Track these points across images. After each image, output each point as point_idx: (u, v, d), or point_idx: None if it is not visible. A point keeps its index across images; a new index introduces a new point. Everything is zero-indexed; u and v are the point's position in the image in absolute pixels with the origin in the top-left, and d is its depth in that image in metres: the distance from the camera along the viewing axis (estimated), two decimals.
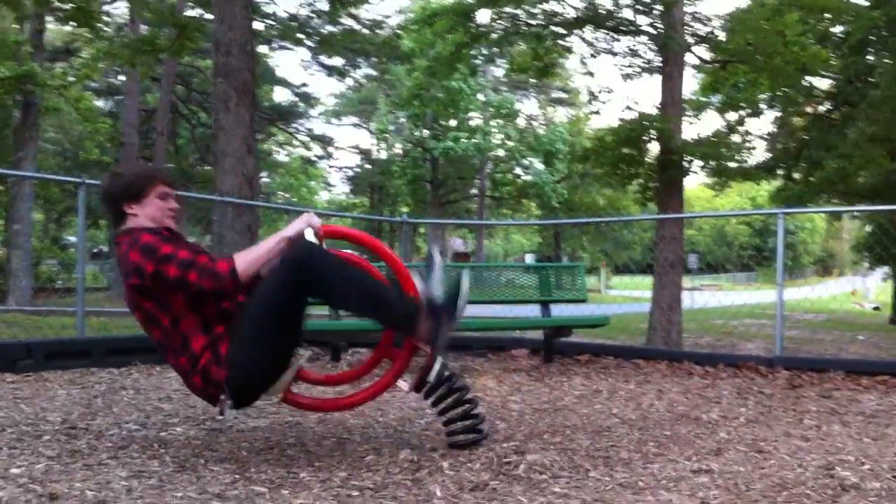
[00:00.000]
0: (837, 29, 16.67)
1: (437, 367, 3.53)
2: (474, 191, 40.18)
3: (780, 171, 19.53)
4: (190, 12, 16.88)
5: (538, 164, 36.65)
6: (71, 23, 18.71)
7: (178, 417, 4.23)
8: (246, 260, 3.19)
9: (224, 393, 3.22)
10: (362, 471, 3.15)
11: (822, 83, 18.61)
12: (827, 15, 14.58)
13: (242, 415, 4.31)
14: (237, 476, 3.04)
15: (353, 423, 4.21)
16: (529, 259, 45.74)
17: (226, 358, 3.17)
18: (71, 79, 20.62)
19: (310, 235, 3.27)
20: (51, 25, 24.58)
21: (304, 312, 3.34)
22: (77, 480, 2.88)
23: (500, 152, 37.73)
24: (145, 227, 3.33)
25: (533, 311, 7.66)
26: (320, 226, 3.33)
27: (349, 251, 3.81)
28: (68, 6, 15.43)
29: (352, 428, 4.10)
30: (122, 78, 29.04)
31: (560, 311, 7.80)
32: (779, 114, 19.67)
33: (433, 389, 3.56)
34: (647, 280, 13.45)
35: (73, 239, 34.01)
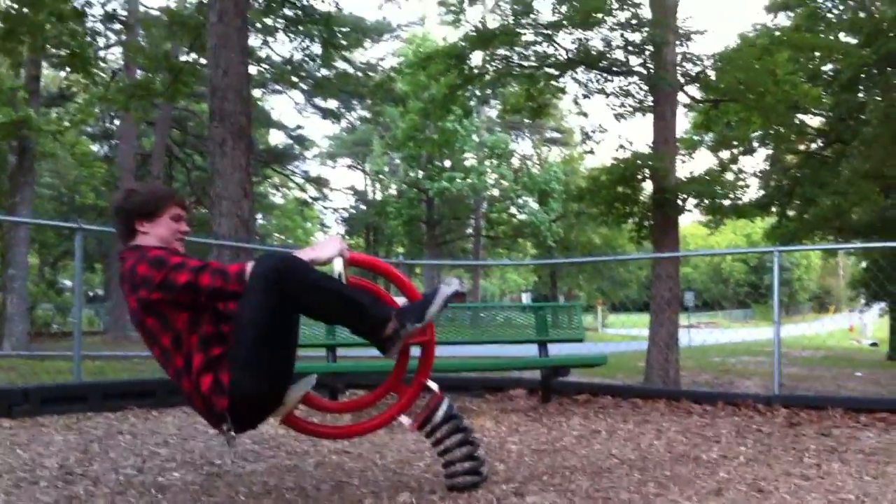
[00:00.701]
0: (828, 67, 16.87)
1: (443, 406, 3.53)
2: (470, 230, 40.26)
3: (774, 208, 19.61)
4: (185, 57, 16.99)
5: (533, 204, 36.76)
6: (66, 68, 18.88)
7: (176, 462, 4.20)
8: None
9: (226, 422, 3.15)
10: None
11: (814, 121, 18.79)
12: (817, 53, 14.77)
13: (240, 459, 4.29)
14: None
15: (352, 467, 4.19)
16: (526, 298, 45.67)
17: (227, 388, 3.11)
18: (66, 124, 20.73)
19: (339, 265, 3.22)
20: (46, 71, 24.76)
21: (295, 326, 3.26)
22: None
23: (496, 192, 37.90)
24: (153, 245, 3.30)
25: (530, 350, 7.66)
26: (349, 255, 3.29)
27: (366, 279, 3.80)
28: (63, 52, 15.56)
29: (350, 471, 4.08)
30: (117, 122, 29.20)
31: (557, 350, 7.79)
32: (771, 151, 19.80)
33: (436, 429, 3.55)
34: (644, 318, 13.44)
35: (68, 283, 33.97)
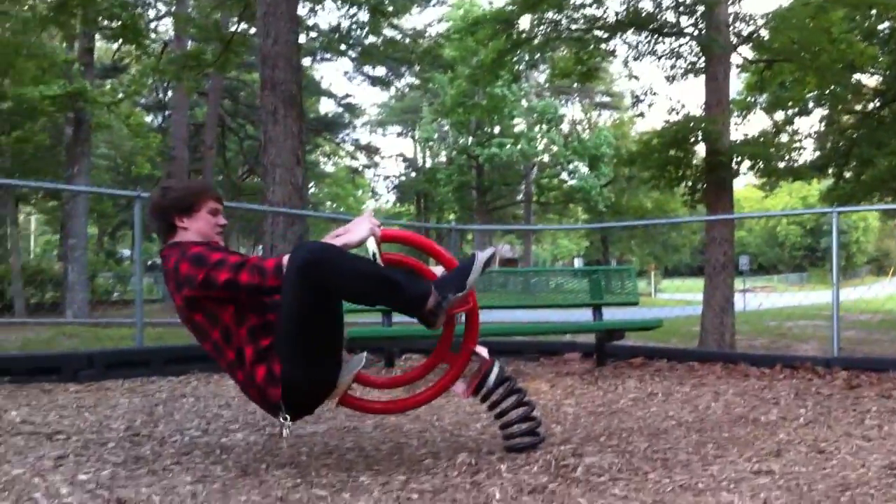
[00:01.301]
0: (884, 25, 16.41)
1: (495, 371, 3.55)
2: (520, 197, 40.11)
3: (830, 170, 19.22)
4: (234, 27, 17.06)
5: (584, 169, 36.51)
6: (118, 40, 19.07)
7: (238, 423, 4.30)
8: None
9: (281, 411, 3.21)
10: (421, 474, 3.18)
11: (871, 80, 18.32)
12: (873, 11, 14.37)
13: (301, 420, 4.37)
14: (298, 480, 3.08)
15: (410, 428, 4.24)
16: (578, 264, 45.51)
17: (279, 376, 3.16)
18: (120, 95, 20.99)
19: (372, 245, 3.22)
20: (99, 43, 25.05)
21: (337, 310, 3.25)
22: (143, 486, 2.94)
23: (545, 158, 37.68)
24: (193, 241, 3.36)
25: (584, 315, 7.65)
26: (380, 233, 3.28)
27: (400, 254, 3.81)
28: (115, 24, 15.71)
29: (409, 432, 4.13)
30: (170, 93, 29.51)
31: (611, 314, 7.77)
32: (827, 112, 19.38)
33: (490, 393, 3.58)
34: (698, 283, 13.33)
35: (127, 252, 34.61)
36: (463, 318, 3.58)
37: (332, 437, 3.99)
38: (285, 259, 3.10)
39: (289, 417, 3.22)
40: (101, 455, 3.45)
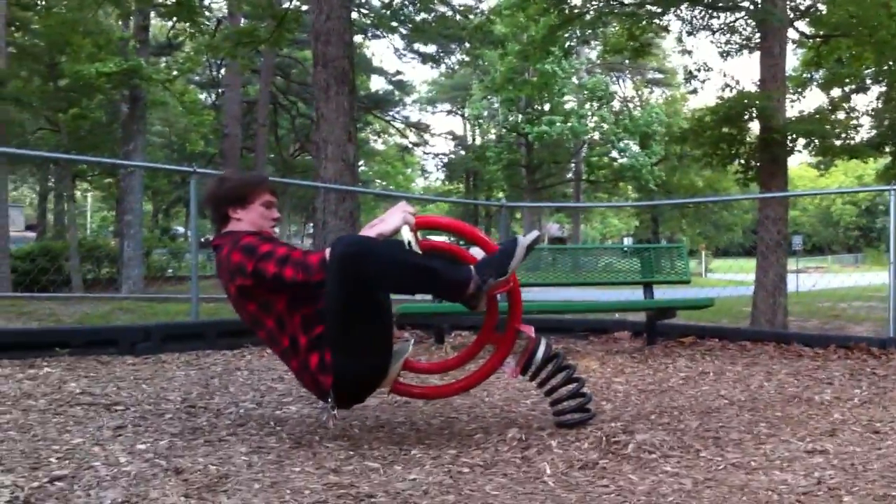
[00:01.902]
0: None
1: (541, 348, 3.55)
2: (570, 175, 39.88)
3: (887, 148, 18.83)
4: (287, 3, 17.14)
5: (634, 147, 36.17)
6: (173, 18, 19.28)
7: (292, 397, 4.36)
8: None
9: (330, 399, 3.28)
10: (472, 448, 3.20)
11: None
12: None
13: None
14: (351, 452, 3.13)
15: (460, 403, 4.27)
16: (627, 242, 45.19)
17: (330, 365, 3.23)
18: (175, 73, 21.25)
19: (406, 233, 3.23)
20: (154, 21, 25.34)
21: (381, 302, 3.29)
22: (200, 456, 3.00)
23: (596, 135, 37.37)
24: (246, 231, 3.43)
25: (634, 294, 7.61)
26: (415, 221, 3.29)
27: (443, 241, 3.81)
28: (170, 2, 15.89)
29: (459, 408, 4.16)
30: (223, 71, 29.77)
31: (662, 293, 7.72)
32: (885, 89, 18.96)
33: (538, 371, 3.59)
34: (749, 263, 13.17)
35: (181, 229, 35.11)
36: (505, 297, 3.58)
37: (383, 412, 4.04)
38: (328, 253, 3.15)
39: (336, 407, 3.30)
40: (158, 426, 3.53)
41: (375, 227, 3.25)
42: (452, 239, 4.07)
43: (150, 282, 19.29)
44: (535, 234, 3.36)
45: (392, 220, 3.25)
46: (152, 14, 21.54)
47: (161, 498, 2.44)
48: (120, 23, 22.50)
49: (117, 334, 5.87)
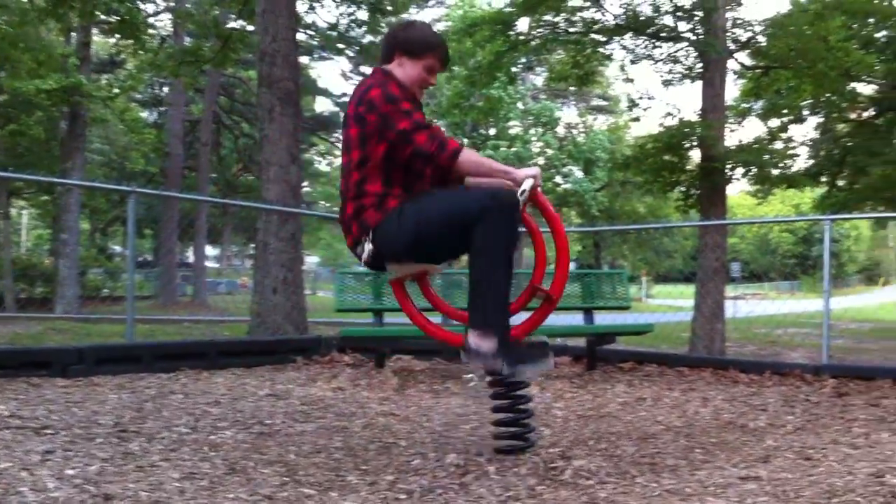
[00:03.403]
0: (882, 34, 16.45)
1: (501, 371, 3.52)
2: None
3: (824, 178, 19.25)
4: (233, 24, 17.03)
5: (578, 172, 36.52)
6: (116, 35, 19.03)
7: (227, 421, 4.29)
8: (471, 157, 3.36)
9: (366, 236, 3.38)
10: (409, 475, 3.18)
11: (867, 89, 18.36)
12: (871, 20, 14.41)
13: (289, 419, 4.36)
14: (286, 479, 3.08)
15: (399, 428, 4.24)
16: (571, 267, 45.54)
17: (388, 211, 3.33)
18: (116, 90, 20.94)
19: (527, 185, 3.33)
20: (97, 38, 25.01)
21: (457, 241, 3.33)
22: (130, 482, 2.93)
23: (540, 160, 37.63)
24: (399, 81, 3.47)
25: (575, 318, 7.65)
26: (538, 186, 3.40)
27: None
28: (113, 19, 15.67)
29: (397, 433, 4.13)
30: (166, 89, 29.46)
31: (602, 319, 7.77)
32: (822, 120, 19.42)
33: (498, 384, 3.58)
34: (689, 289, 13.34)
35: (118, 248, 34.54)
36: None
37: (320, 436, 3.99)
38: (465, 152, 3.32)
39: (371, 236, 3.37)
40: (88, 450, 3.44)
41: (510, 168, 3.41)
42: None
43: (86, 302, 18.94)
44: (550, 361, 3.48)
45: (527, 171, 3.41)
46: (95, 30, 21.25)
47: None
48: (62, 38, 22.13)
49: (49, 356, 5.74)
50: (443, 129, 3.56)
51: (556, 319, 8.71)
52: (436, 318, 4.24)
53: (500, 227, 3.23)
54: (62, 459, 3.25)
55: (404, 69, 3.51)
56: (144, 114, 32.42)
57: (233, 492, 2.86)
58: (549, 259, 3.77)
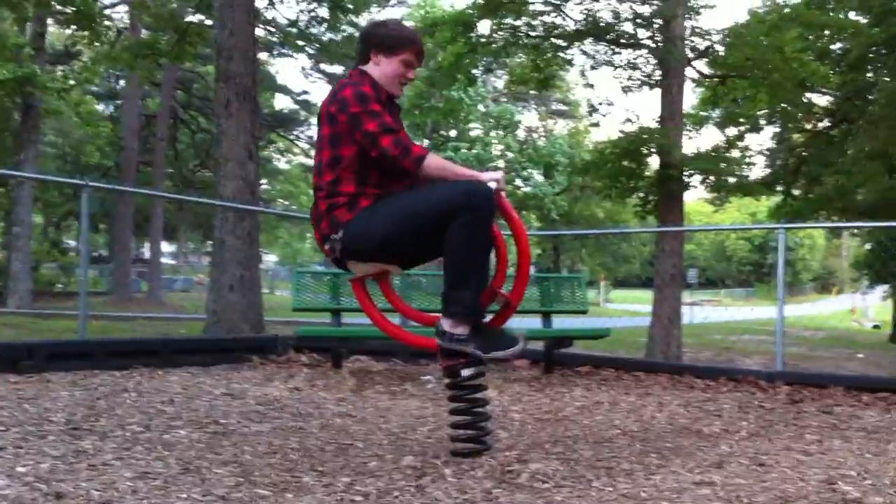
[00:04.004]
0: (837, 45, 16.74)
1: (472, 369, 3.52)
2: None
3: (779, 187, 19.54)
4: (191, 17, 16.87)
5: (538, 176, 36.70)
6: (72, 26, 18.77)
7: (182, 420, 4.23)
8: (436, 162, 3.35)
9: (336, 233, 3.39)
10: (366, 476, 3.15)
11: (822, 100, 18.67)
12: (826, 32, 14.66)
13: (244, 419, 4.32)
14: (241, 479, 3.04)
15: (356, 430, 4.21)
16: (530, 271, 45.73)
17: (360, 209, 3.35)
18: (71, 82, 20.63)
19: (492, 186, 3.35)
20: (52, 28, 24.62)
21: (433, 239, 3.33)
22: (82, 480, 2.88)
23: (501, 163, 37.76)
24: (373, 81, 3.47)
25: (533, 322, 7.67)
26: (503, 190, 3.43)
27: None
28: (69, 9, 15.46)
29: (354, 434, 4.10)
30: (122, 83, 29.10)
31: (560, 322, 7.80)
32: (778, 129, 19.72)
33: (456, 385, 3.56)
34: (647, 294, 13.47)
35: (72, 243, 34.02)
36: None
37: (276, 437, 3.95)
38: (430, 158, 3.33)
39: (341, 234, 3.38)
40: (40, 448, 3.38)
41: (472, 171, 3.46)
42: None
43: (38, 297, 18.65)
44: (521, 344, 3.49)
45: (490, 174, 3.42)
46: (50, 21, 20.92)
47: None
48: (16, 28, 21.76)
49: None
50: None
51: (513, 322, 8.76)
52: (394, 319, 4.21)
53: (476, 220, 3.26)
54: (13, 457, 3.18)
55: (381, 67, 3.52)
56: (100, 107, 31.99)
57: (186, 492, 2.82)
58: (511, 262, 3.76)
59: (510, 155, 36.66)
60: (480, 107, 35.56)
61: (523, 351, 3.52)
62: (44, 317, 10.91)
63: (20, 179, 18.19)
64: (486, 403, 3.63)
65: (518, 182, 37.96)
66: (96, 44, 18.50)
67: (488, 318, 3.63)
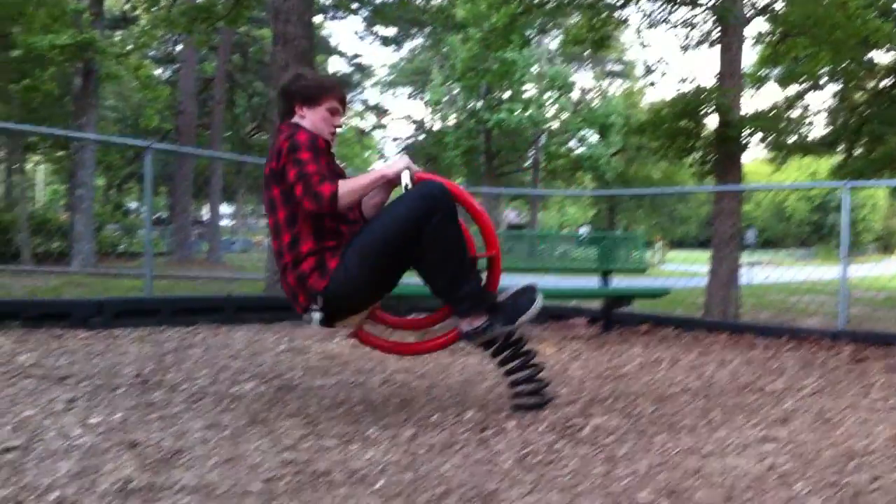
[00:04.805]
0: None
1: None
2: (528, 163, 39.93)
3: (840, 147, 19.10)
4: None
5: (593, 137, 36.31)
6: None
7: (247, 374, 4.32)
8: (348, 188, 3.25)
9: (315, 303, 3.33)
10: (428, 429, 3.20)
11: (885, 58, 18.17)
12: None
13: (308, 374, 4.39)
14: (307, 431, 3.11)
15: (417, 385, 4.26)
16: (584, 231, 45.48)
17: (331, 271, 3.28)
18: (130, 47, 20.84)
19: (406, 178, 3.34)
20: None
21: (414, 253, 3.32)
22: (154, 430, 2.97)
23: (555, 125, 37.42)
24: (306, 130, 3.44)
25: (591, 281, 7.65)
26: (416, 171, 3.39)
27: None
28: None
29: (415, 389, 4.15)
30: (179, 47, 29.33)
31: (618, 283, 7.77)
32: (839, 88, 19.24)
33: (501, 349, 3.58)
34: (704, 255, 13.30)
35: (134, 205, 34.60)
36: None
37: (340, 391, 4.02)
38: (341, 189, 3.22)
39: (321, 303, 3.33)
40: (111, 400, 3.48)
41: (379, 172, 3.36)
42: None
43: (102, 257, 19.01)
44: (537, 294, 3.50)
45: (396, 165, 3.38)
46: None
47: (115, 471, 2.40)
48: None
49: (69, 308, 5.78)
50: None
51: (572, 282, 8.73)
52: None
53: (445, 216, 3.26)
54: (85, 408, 3.29)
55: (308, 118, 3.51)
56: (158, 71, 32.31)
57: (255, 442, 2.89)
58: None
59: (564, 116, 36.27)
60: (535, 68, 35.19)
61: (542, 300, 3.49)
62: (108, 276, 11.13)
63: (82, 142, 18.47)
64: (534, 356, 3.65)
65: (572, 143, 37.63)
66: (153, 8, 18.61)
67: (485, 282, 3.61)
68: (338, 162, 3.61)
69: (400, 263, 3.36)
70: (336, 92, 3.57)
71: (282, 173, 3.30)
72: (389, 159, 47.97)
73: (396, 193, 3.43)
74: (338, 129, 3.59)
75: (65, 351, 4.72)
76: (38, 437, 2.76)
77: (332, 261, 3.29)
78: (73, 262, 17.58)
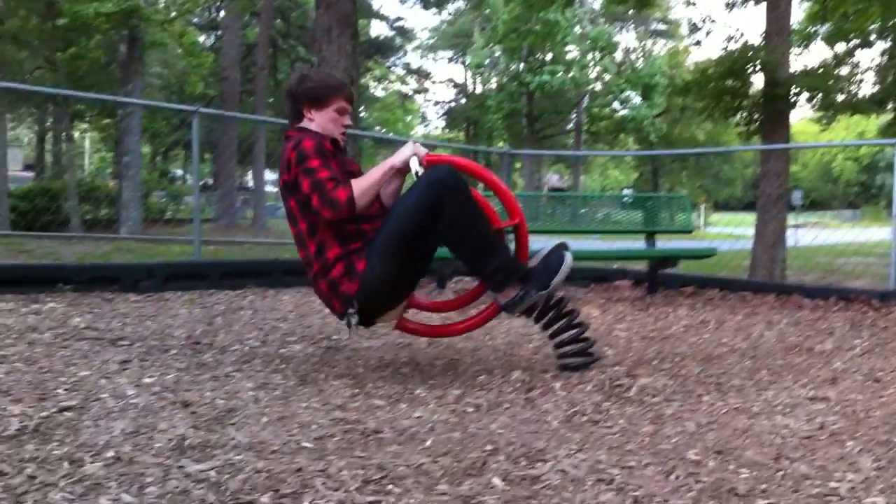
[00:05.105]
0: None
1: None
2: (570, 126, 39.63)
3: (889, 105, 18.71)
4: None
5: (636, 98, 35.89)
6: None
7: (296, 336, 4.38)
8: (361, 188, 3.22)
9: (352, 307, 3.32)
10: (476, 389, 3.23)
11: None
12: None
13: (356, 335, 4.44)
14: (356, 390, 3.15)
15: (463, 346, 4.29)
16: (627, 193, 45.13)
17: (360, 273, 3.27)
18: (173, 13, 20.97)
19: (415, 164, 3.31)
20: None
21: (436, 237, 3.33)
22: (206, 390, 3.03)
23: (598, 86, 37.03)
24: (314, 133, 3.44)
25: (636, 243, 7.62)
26: (425, 154, 3.36)
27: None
28: None
29: (462, 350, 4.18)
30: (222, 13, 29.43)
31: (662, 244, 7.73)
32: (889, 45, 18.80)
33: (543, 313, 3.59)
34: (749, 217, 13.15)
35: (179, 172, 34.96)
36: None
37: (387, 352, 4.06)
38: (355, 190, 3.19)
39: (357, 306, 3.31)
40: (164, 361, 3.55)
41: (387, 162, 3.32)
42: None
43: (149, 224, 19.26)
44: (566, 252, 3.53)
45: (402, 153, 3.35)
46: None
47: (170, 429, 2.46)
48: None
49: (120, 272, 5.89)
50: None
51: (617, 244, 8.68)
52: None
53: (458, 197, 3.23)
54: (139, 368, 3.36)
55: (317, 121, 3.48)
56: (202, 38, 32.50)
57: (305, 401, 2.94)
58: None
59: (607, 77, 35.88)
60: (577, 29, 34.80)
61: (571, 256, 3.51)
62: (157, 242, 11.27)
63: (129, 109, 18.65)
64: (577, 314, 3.66)
65: (615, 105, 37.23)
66: None
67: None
68: (349, 158, 3.61)
69: (424, 251, 3.36)
70: (343, 91, 3.54)
71: (295, 184, 3.29)
72: (431, 123, 47.92)
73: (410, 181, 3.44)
74: (347, 129, 3.57)
75: (117, 314, 4.81)
76: (93, 397, 2.83)
77: (360, 263, 3.28)
78: (122, 229, 17.85)
